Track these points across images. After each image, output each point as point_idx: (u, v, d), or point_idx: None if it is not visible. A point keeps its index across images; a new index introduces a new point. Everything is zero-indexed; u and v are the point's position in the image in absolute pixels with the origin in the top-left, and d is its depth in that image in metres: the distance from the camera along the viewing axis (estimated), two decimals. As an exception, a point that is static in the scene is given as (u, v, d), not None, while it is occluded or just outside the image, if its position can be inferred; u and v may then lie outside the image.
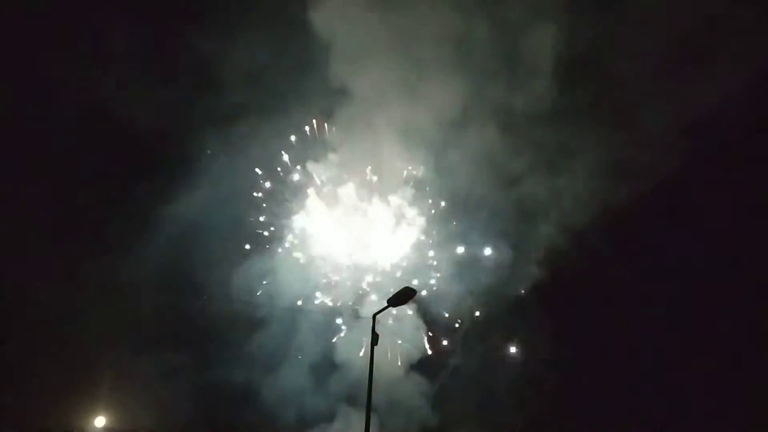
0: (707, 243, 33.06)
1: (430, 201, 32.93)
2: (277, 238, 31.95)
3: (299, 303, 30.25)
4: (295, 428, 29.12)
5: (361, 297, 31.08)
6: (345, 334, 30.25)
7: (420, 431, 30.64)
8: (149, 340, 28.95)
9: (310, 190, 32.38)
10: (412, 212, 32.32)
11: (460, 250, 32.07)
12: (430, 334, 31.41)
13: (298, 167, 32.63)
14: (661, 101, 31.67)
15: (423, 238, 32.17)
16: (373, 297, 30.61)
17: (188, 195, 30.37)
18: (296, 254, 31.63)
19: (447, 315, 31.84)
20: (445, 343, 32.25)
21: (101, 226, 30.95)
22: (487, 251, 31.74)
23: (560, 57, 31.06)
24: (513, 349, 32.03)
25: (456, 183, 32.39)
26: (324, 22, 29.41)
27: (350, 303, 31.08)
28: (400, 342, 30.03)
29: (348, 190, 32.18)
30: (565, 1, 31.37)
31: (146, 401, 27.27)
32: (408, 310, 29.80)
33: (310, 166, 32.40)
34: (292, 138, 32.93)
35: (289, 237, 32.00)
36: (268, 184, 32.60)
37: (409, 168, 32.28)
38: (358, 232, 31.95)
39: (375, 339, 16.73)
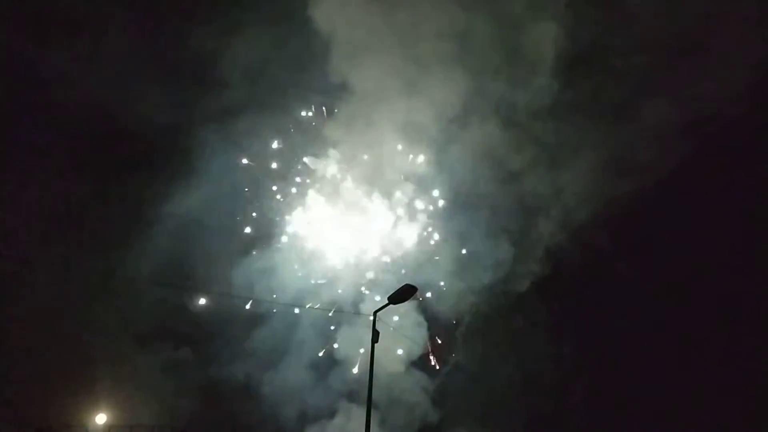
0: (709, 240, 32.97)
1: (431, 197, 32.92)
2: (277, 233, 31.97)
3: (299, 299, 30.23)
4: (295, 424, 29.16)
5: (361, 293, 31.08)
6: (345, 331, 30.25)
7: (420, 427, 30.67)
8: (150, 336, 28.98)
9: (311, 186, 32.36)
10: (412, 208, 32.31)
11: (461, 246, 32.05)
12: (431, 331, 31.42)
13: (299, 163, 32.62)
14: (663, 96, 31.58)
15: (424, 234, 32.12)
16: (374, 294, 30.59)
17: (188, 191, 30.35)
18: (296, 250, 31.61)
19: (448, 311, 31.85)
20: (445, 340, 32.28)
21: (100, 222, 30.93)
22: (488, 247, 31.68)
23: (561, 52, 30.96)
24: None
25: (457, 179, 32.34)
26: (324, 18, 29.30)
27: (351, 300, 31.08)
28: (401, 338, 30.01)
29: (348, 186, 32.15)
30: (566, -3, 31.25)
31: (147, 398, 27.30)
32: (409, 306, 29.76)
33: (310, 161, 32.36)
34: (292, 133, 32.91)
35: (290, 233, 31.99)
36: (267, 180, 32.61)
37: (410, 163, 32.22)
38: (358, 228, 31.89)
39: (376, 336, 16.75)
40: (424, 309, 31.10)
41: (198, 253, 30.90)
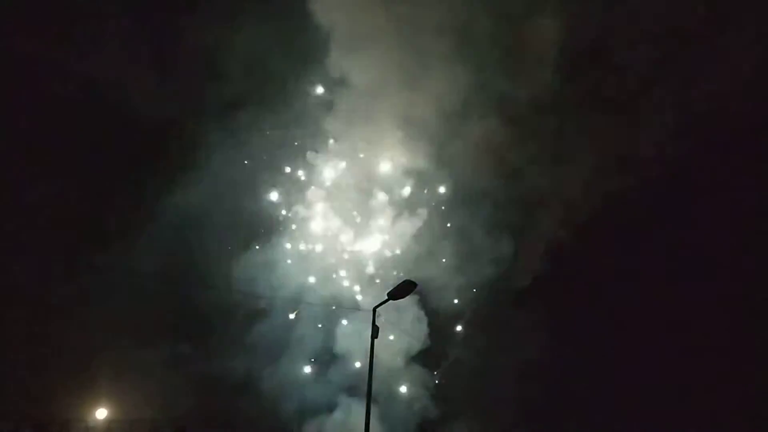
0: (712, 237, 32.91)
1: (431, 192, 32.81)
2: (277, 228, 31.92)
3: (299, 294, 30.21)
4: (295, 419, 29.23)
5: (361, 288, 31.05)
6: (345, 326, 30.26)
7: (420, 422, 30.73)
8: (150, 330, 28.98)
9: (311, 181, 32.29)
10: (412, 203, 32.21)
11: (462, 241, 31.98)
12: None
13: (299, 157, 32.53)
14: (666, 92, 31.43)
15: (424, 229, 32.04)
16: (374, 288, 30.57)
17: (188, 186, 30.30)
18: (297, 245, 31.57)
19: (448, 306, 31.82)
20: (445, 334, 32.29)
21: (101, 217, 30.91)
22: (489, 243, 31.62)
23: (563, 47, 30.78)
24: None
25: (457, 174, 32.24)
26: (325, 11, 29.15)
27: (350, 294, 31.05)
28: (400, 333, 30.02)
29: (348, 181, 32.06)
30: (569, -9, 31.03)
31: (147, 392, 27.34)
32: (409, 301, 29.73)
33: (311, 156, 32.27)
34: (292, 128, 32.81)
35: (290, 227, 31.94)
36: (268, 175, 32.53)
37: (410, 158, 32.07)
38: (358, 223, 31.84)
39: (375, 332, 16.83)
40: (425, 304, 31.08)
41: (198, 247, 30.90)
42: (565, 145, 32.45)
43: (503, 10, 30.65)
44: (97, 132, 31.39)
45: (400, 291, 16.65)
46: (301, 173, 32.43)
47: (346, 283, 31.08)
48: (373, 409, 17.17)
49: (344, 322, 30.39)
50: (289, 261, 30.98)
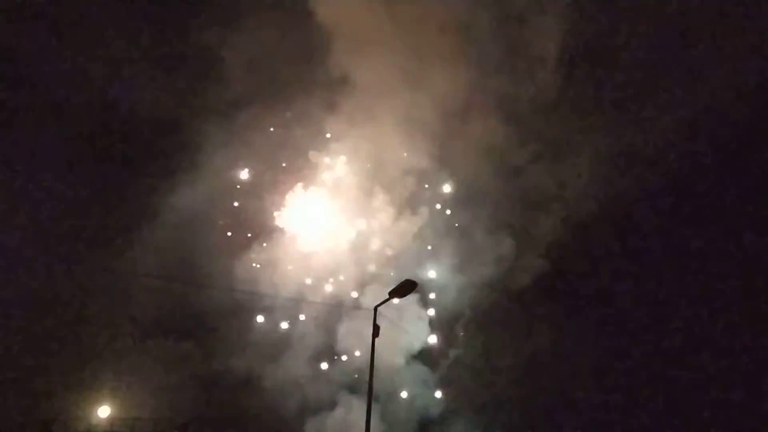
0: (713, 236, 32.91)
1: (432, 191, 32.85)
2: (278, 227, 31.98)
3: (301, 293, 30.29)
4: (296, 417, 29.33)
5: (362, 287, 31.11)
6: (346, 324, 30.33)
7: (421, 420, 30.81)
8: (152, 329, 29.11)
9: (312, 180, 32.34)
10: (414, 202, 32.25)
11: (463, 240, 32.04)
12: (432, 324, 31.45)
13: (300, 157, 32.58)
14: (668, 92, 31.42)
15: (425, 228, 32.08)
16: (375, 287, 30.61)
17: (190, 184, 30.39)
18: (298, 244, 31.63)
19: (449, 305, 31.87)
20: (446, 333, 32.33)
21: (102, 216, 31.01)
22: (490, 242, 31.66)
23: (565, 46, 30.78)
24: None
25: (459, 173, 32.28)
26: (326, 11, 29.18)
27: (352, 293, 31.12)
28: (401, 332, 30.08)
29: (350, 180, 32.11)
30: (571, -10, 30.99)
31: (149, 391, 27.45)
32: (410, 300, 29.79)
33: (312, 155, 32.33)
34: (294, 127, 32.85)
35: (291, 226, 32.00)
36: (270, 173, 32.59)
37: (412, 157, 32.10)
38: (359, 221, 31.90)
39: (376, 331, 16.88)
40: (426, 303, 31.14)
41: (200, 246, 30.99)
42: (566, 144, 32.46)
43: (505, 9, 30.68)
44: (98, 131, 31.48)
45: (401, 290, 16.73)
46: (302, 171, 32.50)
47: (347, 282, 31.14)
48: (374, 408, 17.24)
49: (345, 320, 30.48)
50: (290, 260, 31.04)
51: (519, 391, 31.04)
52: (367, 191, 31.81)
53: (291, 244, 31.54)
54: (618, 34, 31.22)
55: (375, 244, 31.68)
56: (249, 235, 31.63)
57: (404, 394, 30.31)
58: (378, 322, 17.04)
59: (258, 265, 30.30)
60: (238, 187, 32.32)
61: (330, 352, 30.09)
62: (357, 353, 29.30)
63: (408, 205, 31.94)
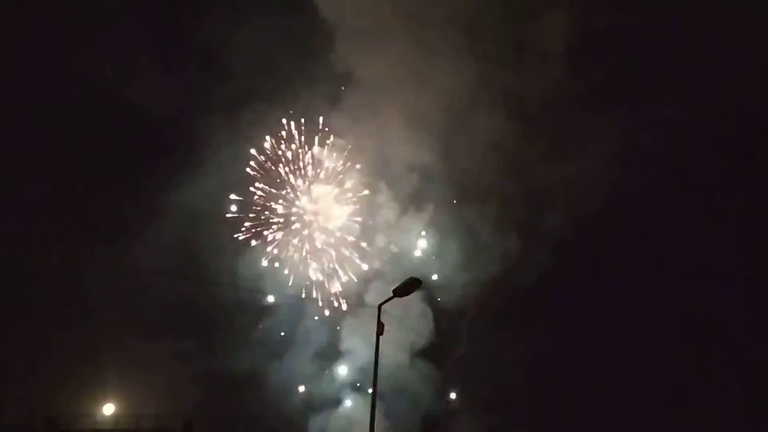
0: (717, 234, 32.60)
1: (437, 188, 32.63)
2: (283, 224, 31.87)
3: (304, 290, 30.23)
4: (300, 413, 29.32)
5: (366, 284, 31.00)
6: (350, 321, 30.25)
7: (425, 417, 30.74)
8: (157, 327, 29.11)
9: (317, 176, 32.22)
10: (419, 199, 32.08)
11: (468, 237, 31.83)
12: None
13: (305, 153, 32.45)
14: (675, 88, 31.04)
15: (430, 225, 31.92)
16: (379, 283, 30.50)
17: (195, 181, 30.33)
18: (303, 241, 31.54)
19: (454, 303, 31.72)
20: (451, 330, 32.20)
21: (109, 213, 30.99)
22: (495, 239, 31.43)
23: (571, 42, 30.45)
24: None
25: (464, 169, 32.02)
26: (330, 6, 28.98)
27: (356, 290, 31.01)
28: (406, 329, 29.97)
29: (354, 176, 31.96)
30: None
31: (154, 388, 27.49)
32: (415, 297, 29.66)
33: (317, 151, 32.18)
34: (299, 123, 32.73)
35: (296, 223, 31.91)
36: (274, 170, 32.47)
37: (416, 154, 31.88)
38: (364, 218, 31.78)
39: (380, 329, 16.62)
40: (430, 300, 31.00)
41: (205, 243, 30.97)
42: (572, 140, 32.14)
43: (510, 4, 30.36)
44: (103, 129, 31.46)
45: (406, 288, 16.52)
46: (306, 168, 32.38)
47: (351, 280, 31.03)
48: (379, 405, 17.13)
49: (350, 318, 30.39)
50: (294, 257, 30.97)
51: (524, 388, 30.91)
52: (371, 187, 31.67)
53: (296, 240, 31.45)
54: (625, 29, 30.89)
55: (380, 241, 31.56)
56: (254, 232, 31.52)
57: (408, 391, 30.22)
58: (382, 320, 16.88)
59: (262, 263, 30.17)
60: (243, 184, 32.20)
61: (334, 349, 30.04)
62: (361, 351, 29.22)
63: (412, 201, 31.76)
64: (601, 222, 31.88)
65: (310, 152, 32.34)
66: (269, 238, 31.08)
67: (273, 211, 31.86)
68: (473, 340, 32.20)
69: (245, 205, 31.86)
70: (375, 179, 31.59)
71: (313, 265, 30.97)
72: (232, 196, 31.57)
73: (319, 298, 29.88)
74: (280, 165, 32.43)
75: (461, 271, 31.16)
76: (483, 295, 31.66)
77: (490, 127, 30.45)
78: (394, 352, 29.17)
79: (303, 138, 32.70)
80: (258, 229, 31.32)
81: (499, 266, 30.96)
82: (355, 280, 30.90)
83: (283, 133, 32.56)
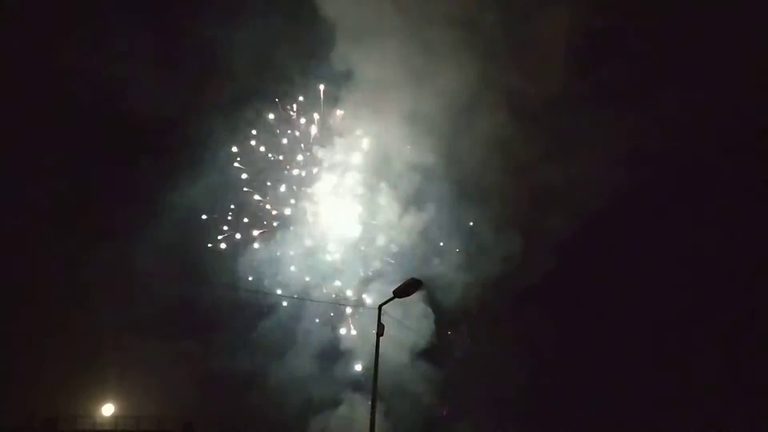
0: (722, 234, 32.40)
1: (438, 187, 32.45)
2: (283, 224, 31.82)
3: (305, 290, 30.13)
4: (300, 414, 29.23)
5: (367, 284, 30.89)
6: (351, 322, 30.17)
7: (426, 418, 30.62)
8: (157, 327, 29.06)
9: (316, 176, 32.13)
10: (419, 199, 31.93)
11: (469, 238, 31.69)
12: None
13: (304, 152, 32.36)
14: (678, 86, 30.85)
15: (431, 225, 31.77)
16: (380, 284, 30.39)
17: (194, 181, 30.23)
18: (302, 241, 31.44)
19: (455, 303, 31.58)
20: (451, 331, 32.09)
21: (107, 214, 30.94)
22: (497, 240, 31.28)
23: (573, 40, 30.25)
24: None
25: (465, 169, 31.85)
26: (330, 4, 28.83)
27: (357, 290, 30.92)
28: (406, 330, 29.85)
29: (355, 176, 31.83)
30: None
31: (153, 388, 27.45)
32: (416, 298, 29.52)
33: (317, 150, 32.07)
34: (298, 122, 32.63)
35: (295, 223, 31.83)
36: (274, 170, 32.40)
37: (417, 153, 31.74)
38: (364, 218, 31.65)
39: (381, 330, 16.53)
40: (432, 300, 30.88)
41: (204, 243, 30.91)
42: (574, 140, 31.96)
43: (512, 2, 30.17)
44: (101, 128, 31.39)
45: (406, 289, 16.42)
46: (306, 167, 32.29)
47: (351, 280, 30.93)
48: (379, 405, 17.04)
49: (350, 318, 30.30)
50: (294, 257, 30.87)
51: (525, 390, 30.78)
52: (372, 187, 31.54)
53: (296, 241, 31.37)
54: (628, 27, 30.72)
55: (380, 241, 31.44)
56: (254, 232, 31.46)
57: (409, 392, 30.11)
58: (383, 321, 16.77)
59: (262, 263, 30.08)
60: (242, 183, 32.12)
61: (334, 350, 29.94)
62: (361, 351, 29.12)
63: (413, 201, 31.62)
64: (604, 222, 31.72)
65: (309, 151, 32.31)
66: (269, 237, 31.05)
67: (273, 210, 31.83)
68: (475, 340, 32.09)
69: (245, 205, 31.83)
70: (376, 178, 31.47)
71: (314, 265, 30.92)
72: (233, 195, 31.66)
73: (320, 299, 29.81)
74: (280, 164, 32.42)
75: (463, 272, 31.00)
76: (485, 295, 31.54)
77: (491, 127, 30.26)
78: (395, 353, 29.06)
79: (302, 136, 32.70)
80: (257, 229, 31.32)
81: (500, 266, 30.82)
82: (356, 280, 30.86)
83: (282, 132, 32.58)
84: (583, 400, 31.34)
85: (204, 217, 31.06)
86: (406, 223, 31.26)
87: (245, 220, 31.76)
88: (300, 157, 32.40)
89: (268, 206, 31.86)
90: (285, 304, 30.21)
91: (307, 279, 30.48)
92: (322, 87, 31.90)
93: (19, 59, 30.04)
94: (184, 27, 31.19)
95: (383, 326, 16.66)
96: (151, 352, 28.02)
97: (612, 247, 33.12)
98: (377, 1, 29.36)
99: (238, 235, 31.32)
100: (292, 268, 30.54)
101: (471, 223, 31.77)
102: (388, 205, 31.39)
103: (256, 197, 31.99)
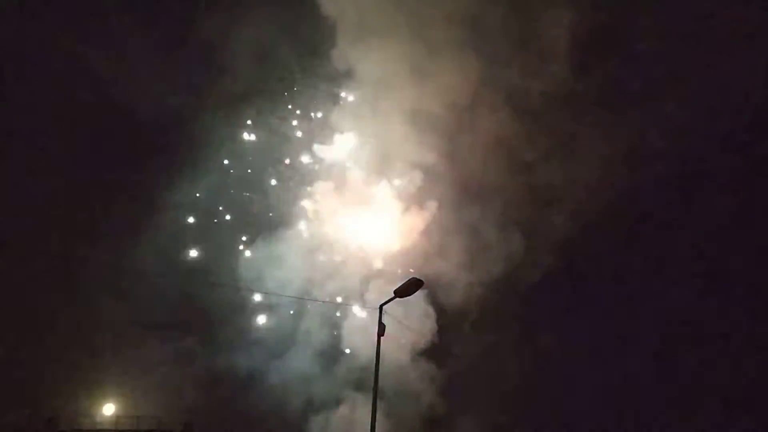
0: (723, 234, 32.26)
1: (440, 186, 32.36)
2: (284, 223, 31.74)
3: (306, 289, 30.02)
4: (301, 414, 29.15)
5: (368, 283, 30.80)
6: (351, 321, 30.07)
7: (427, 417, 30.54)
8: (157, 326, 28.98)
9: (318, 174, 32.05)
10: (421, 198, 31.82)
11: (471, 237, 31.57)
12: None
13: (306, 151, 32.28)
14: (681, 85, 30.70)
15: (432, 224, 31.66)
16: (381, 283, 30.29)
17: (194, 180, 30.18)
18: (303, 239, 31.36)
19: (456, 303, 31.47)
20: (453, 331, 31.98)
21: (108, 211, 30.85)
22: (499, 239, 31.17)
23: (575, 39, 30.13)
24: None
25: (467, 168, 31.76)
26: (332, 2, 28.74)
27: (358, 289, 30.82)
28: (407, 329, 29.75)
29: (356, 175, 31.75)
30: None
31: (154, 388, 27.40)
32: (417, 297, 29.40)
33: (318, 149, 31.98)
34: (299, 121, 32.55)
35: (297, 222, 31.74)
36: (275, 168, 32.34)
37: (419, 152, 31.63)
38: (366, 217, 31.55)
39: (382, 329, 16.49)
40: (433, 300, 30.78)
41: (205, 242, 30.84)
42: (576, 139, 31.86)
43: (514, 1, 30.05)
44: (102, 127, 31.31)
45: (407, 289, 16.35)
46: (307, 166, 32.20)
47: (352, 279, 30.83)
48: (380, 405, 16.97)
49: (350, 318, 30.19)
50: (295, 256, 30.78)
51: (526, 389, 30.68)
52: (373, 186, 31.45)
53: (297, 240, 31.29)
54: (630, 25, 30.56)
55: (381, 240, 31.32)
56: (253, 231, 31.39)
57: (410, 391, 30.02)
58: (384, 321, 16.69)
59: (263, 262, 30.00)
60: (243, 182, 32.05)
61: (335, 349, 29.86)
62: (362, 350, 29.02)
63: (415, 200, 31.51)
64: (605, 222, 31.60)
65: (311, 150, 32.23)
66: (270, 236, 30.96)
67: (274, 209, 31.79)
68: (476, 340, 31.98)
69: (246, 204, 31.77)
70: (377, 177, 31.38)
71: (314, 264, 30.83)
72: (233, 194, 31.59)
73: (320, 298, 29.73)
74: (280, 163, 32.35)
75: (464, 271, 30.90)
76: (486, 294, 31.44)
77: (493, 126, 30.18)
78: (396, 353, 28.98)
79: (304, 135, 32.63)
80: (258, 229, 31.24)
81: (502, 266, 30.73)
82: (356, 280, 30.76)
83: (285, 130, 32.51)
84: (583, 399, 31.25)
85: (204, 216, 31.08)
86: (407, 222, 31.19)
87: (246, 219, 31.78)
88: (301, 156, 32.35)
89: (268, 205, 31.82)
90: (285, 303, 30.16)
91: (308, 278, 30.41)
92: (322, 85, 31.89)
93: (18, 58, 29.97)
94: (184, 26, 31.09)
95: (384, 326, 16.62)
96: (151, 351, 27.99)
97: (612, 246, 33.00)
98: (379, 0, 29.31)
99: (238, 235, 31.30)
100: (293, 268, 30.44)
101: (472, 222, 31.64)
102: (389, 203, 31.32)
103: (257, 196, 31.96)
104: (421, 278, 16.38)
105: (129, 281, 27.89)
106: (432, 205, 31.44)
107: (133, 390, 27.58)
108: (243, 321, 29.92)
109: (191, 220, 30.56)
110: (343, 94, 31.83)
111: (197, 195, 30.11)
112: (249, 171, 32.20)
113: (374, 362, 15.85)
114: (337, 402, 29.15)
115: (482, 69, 29.61)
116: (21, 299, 27.36)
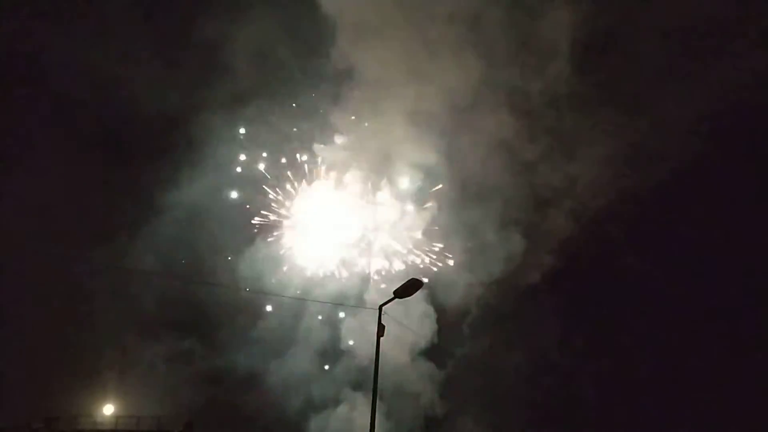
0: (722, 234, 32.25)
1: (440, 187, 32.35)
2: (284, 222, 31.72)
3: (306, 289, 30.04)
4: (301, 413, 29.18)
5: (367, 283, 30.82)
6: (351, 321, 30.08)
7: (426, 417, 30.57)
8: (156, 327, 29.02)
9: (318, 174, 32.02)
10: (421, 198, 31.84)
11: (471, 237, 31.57)
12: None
13: (306, 150, 32.26)
14: (680, 86, 30.67)
15: (432, 224, 31.67)
16: (381, 283, 30.32)
17: (194, 179, 30.15)
18: (303, 239, 31.34)
19: (456, 303, 31.49)
20: (453, 331, 31.99)
21: (106, 212, 30.84)
22: (499, 239, 31.16)
23: (576, 39, 30.09)
24: None
25: (467, 168, 31.73)
26: (332, 2, 28.70)
27: (357, 289, 30.84)
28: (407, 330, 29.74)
29: (355, 174, 31.72)
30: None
31: (154, 388, 27.41)
32: (417, 297, 29.39)
33: (317, 149, 31.95)
34: (299, 120, 32.52)
35: (296, 221, 31.71)
36: (275, 168, 32.32)
37: (419, 152, 31.61)
38: (365, 217, 31.54)
39: (381, 330, 16.43)
40: (433, 300, 30.79)
41: (205, 242, 30.82)
42: (577, 139, 31.83)
43: (515, 1, 30.02)
44: (101, 127, 31.32)
45: (407, 289, 16.30)
46: (307, 166, 32.20)
47: (352, 279, 30.84)
48: (379, 405, 16.97)
49: (350, 318, 30.22)
50: (295, 256, 30.79)
51: (526, 389, 30.70)
52: (372, 186, 31.45)
53: (296, 240, 31.27)
54: (630, 26, 30.53)
55: (381, 240, 31.32)
56: (254, 230, 31.39)
57: (409, 392, 30.04)
58: (383, 321, 16.67)
59: (263, 262, 30.00)
60: (243, 182, 32.03)
61: (335, 349, 29.89)
62: (361, 350, 29.05)
63: (415, 200, 31.51)
64: (606, 221, 31.61)
65: (311, 149, 32.20)
66: (270, 236, 30.97)
67: (274, 209, 31.74)
68: (476, 340, 31.99)
69: (246, 204, 31.74)
70: (377, 177, 31.37)
71: (315, 264, 30.82)
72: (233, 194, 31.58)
73: (320, 298, 29.73)
74: (281, 163, 32.33)
75: (464, 271, 30.91)
76: (486, 295, 31.45)
77: (493, 126, 30.14)
78: (396, 353, 28.98)
79: (304, 135, 32.58)
80: (258, 228, 31.23)
81: (502, 266, 30.73)
82: (356, 279, 30.78)
83: (284, 130, 32.47)
84: (584, 399, 31.28)
85: (204, 216, 31.06)
86: (407, 222, 31.19)
87: (246, 219, 31.76)
88: (301, 156, 32.32)
89: (268, 205, 31.79)
90: (285, 303, 30.17)
91: (308, 278, 30.41)
92: (323, 85, 31.87)
93: (18, 58, 29.98)
94: (185, 25, 31.07)
95: (384, 326, 16.55)
96: (151, 351, 28.00)
97: (613, 246, 32.99)
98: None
99: (238, 235, 31.29)
100: (293, 267, 30.45)
101: (472, 223, 31.63)
102: (389, 203, 31.31)
103: (257, 196, 31.94)
104: (421, 279, 16.39)
105: (128, 282, 27.92)
106: (432, 205, 31.48)
107: (133, 390, 27.58)
108: (243, 321, 29.93)
109: (192, 219, 30.53)
110: (343, 94, 31.81)
111: (197, 195, 30.04)
112: (249, 171, 32.16)
113: (374, 362, 15.86)
114: (337, 402, 29.17)
115: (482, 69, 29.56)
116: (21, 299, 27.37)
